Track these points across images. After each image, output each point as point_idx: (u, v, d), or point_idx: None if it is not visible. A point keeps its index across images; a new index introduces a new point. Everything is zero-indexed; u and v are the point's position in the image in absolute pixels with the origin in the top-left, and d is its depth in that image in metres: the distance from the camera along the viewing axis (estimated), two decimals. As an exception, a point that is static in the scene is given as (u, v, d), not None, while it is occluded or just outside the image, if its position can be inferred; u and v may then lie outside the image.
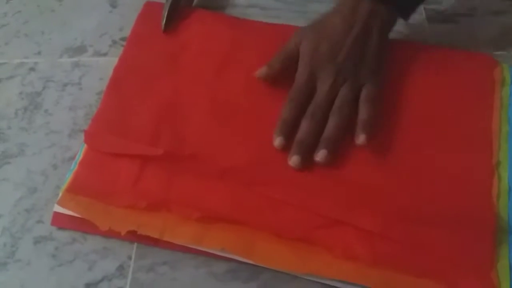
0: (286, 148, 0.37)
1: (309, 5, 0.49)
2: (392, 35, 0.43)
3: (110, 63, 0.44)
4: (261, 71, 0.40)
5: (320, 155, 0.36)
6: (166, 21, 0.45)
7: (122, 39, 0.47)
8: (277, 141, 0.37)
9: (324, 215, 0.35)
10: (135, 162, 0.38)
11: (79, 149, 0.40)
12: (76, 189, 0.37)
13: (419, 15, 0.47)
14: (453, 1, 0.49)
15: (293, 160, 0.36)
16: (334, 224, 0.35)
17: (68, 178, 0.38)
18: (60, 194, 0.37)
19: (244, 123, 0.40)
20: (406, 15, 0.42)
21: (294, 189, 0.36)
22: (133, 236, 0.36)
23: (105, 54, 0.46)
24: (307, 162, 0.37)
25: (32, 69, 0.46)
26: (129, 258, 0.36)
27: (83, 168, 0.39)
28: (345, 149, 0.38)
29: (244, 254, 0.34)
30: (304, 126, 0.37)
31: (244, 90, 0.41)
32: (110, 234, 0.36)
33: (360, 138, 0.36)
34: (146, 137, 0.39)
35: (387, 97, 0.40)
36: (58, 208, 0.37)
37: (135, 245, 0.37)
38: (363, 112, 0.37)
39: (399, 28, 0.46)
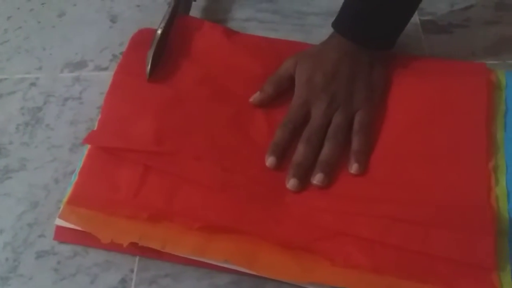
0: (277, 168, 0.39)
1: (306, 18, 0.50)
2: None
3: (110, 77, 0.45)
4: (255, 97, 0.42)
5: (317, 179, 0.37)
6: (150, 69, 0.42)
7: (122, 53, 0.47)
8: (269, 161, 0.39)
9: (324, 227, 0.35)
10: (136, 171, 0.38)
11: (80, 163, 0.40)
12: (76, 201, 0.37)
13: (414, 27, 0.48)
14: (448, 12, 0.49)
15: (291, 183, 0.37)
16: (334, 234, 0.35)
17: (69, 191, 0.39)
18: (61, 207, 0.38)
19: (244, 134, 0.40)
20: (389, 47, 0.43)
21: (294, 203, 0.37)
22: (136, 249, 0.36)
23: (105, 69, 0.47)
24: (304, 183, 0.38)
25: (33, 84, 0.46)
26: (131, 271, 0.36)
27: (83, 179, 0.39)
28: (340, 161, 0.39)
29: (247, 265, 0.34)
30: (301, 150, 0.39)
31: (242, 101, 0.42)
32: (112, 247, 0.36)
33: (353, 168, 0.38)
34: (148, 141, 0.39)
35: (383, 106, 0.41)
36: (60, 222, 0.37)
37: (137, 258, 0.37)
38: (355, 143, 0.39)
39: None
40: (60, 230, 0.38)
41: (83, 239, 0.37)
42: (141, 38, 0.46)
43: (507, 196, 0.36)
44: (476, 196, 0.36)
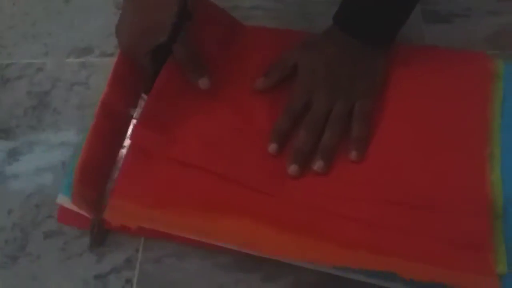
0: (279, 154, 0.39)
1: (309, 6, 0.50)
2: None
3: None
4: (260, 82, 0.43)
5: (317, 165, 0.38)
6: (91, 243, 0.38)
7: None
8: (271, 148, 0.39)
9: (323, 209, 0.36)
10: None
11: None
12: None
13: (415, 15, 0.49)
14: (449, 2, 0.50)
15: (292, 168, 0.38)
16: (334, 216, 0.36)
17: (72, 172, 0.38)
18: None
19: (248, 121, 0.41)
20: (388, 43, 0.44)
21: (294, 188, 0.38)
22: (141, 230, 0.37)
23: (111, 55, 0.48)
24: (304, 168, 0.39)
25: (40, 69, 0.47)
26: (137, 250, 0.37)
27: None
28: (340, 145, 0.40)
29: (249, 246, 0.35)
30: (302, 136, 0.39)
31: (246, 90, 0.43)
32: (120, 229, 0.37)
33: (353, 155, 0.39)
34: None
35: (383, 95, 0.42)
36: (65, 203, 0.38)
37: (142, 238, 0.38)
38: (355, 129, 0.40)
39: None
40: (63, 213, 0.39)
41: (86, 222, 0.38)
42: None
43: (501, 182, 0.37)
44: (472, 181, 0.37)
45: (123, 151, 0.40)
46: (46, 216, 0.39)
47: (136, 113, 0.42)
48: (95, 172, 0.38)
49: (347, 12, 0.43)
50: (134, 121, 0.42)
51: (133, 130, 0.40)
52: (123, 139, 0.41)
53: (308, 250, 0.34)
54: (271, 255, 0.35)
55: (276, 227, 0.36)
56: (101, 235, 0.38)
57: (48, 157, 0.42)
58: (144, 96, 0.42)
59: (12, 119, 0.44)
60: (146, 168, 0.39)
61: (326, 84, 0.41)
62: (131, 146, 0.40)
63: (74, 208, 0.37)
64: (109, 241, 0.38)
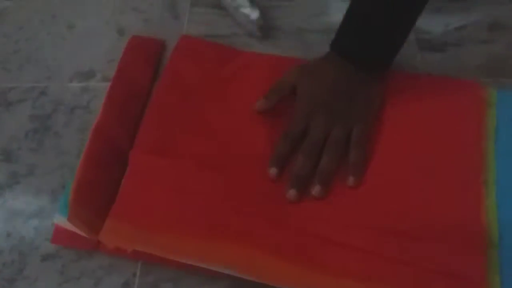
0: (278, 178, 0.40)
1: (306, 35, 0.52)
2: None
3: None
4: (260, 104, 0.44)
5: (315, 190, 0.39)
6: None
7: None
8: (271, 172, 0.40)
9: (318, 235, 0.37)
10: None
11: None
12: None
13: (410, 44, 0.50)
14: (443, 32, 0.51)
15: (290, 193, 0.39)
16: (330, 243, 0.36)
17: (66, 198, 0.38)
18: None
19: (247, 145, 0.42)
20: (384, 69, 0.45)
21: (292, 213, 0.38)
22: (138, 254, 0.37)
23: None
24: (303, 193, 0.39)
25: (42, 93, 0.48)
26: (134, 275, 0.37)
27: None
28: (337, 172, 0.40)
29: (246, 272, 0.35)
30: (300, 161, 0.40)
31: (246, 114, 0.44)
32: (115, 252, 0.37)
33: (350, 180, 0.40)
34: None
35: (379, 123, 0.43)
36: (60, 223, 0.38)
37: (140, 262, 0.38)
38: (352, 155, 0.41)
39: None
40: (58, 233, 0.39)
41: (82, 243, 0.38)
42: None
43: (497, 208, 0.38)
44: (467, 209, 0.38)
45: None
46: (44, 239, 0.39)
47: (131, 134, 0.43)
48: (90, 193, 0.39)
49: (344, 39, 0.44)
50: (129, 143, 0.42)
51: (130, 154, 0.41)
52: (119, 160, 0.41)
53: (304, 277, 0.35)
54: (268, 281, 0.35)
55: (273, 253, 0.36)
56: None
57: (48, 180, 0.42)
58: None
59: (14, 141, 0.45)
60: (144, 191, 0.39)
61: (324, 110, 0.42)
62: (129, 169, 0.40)
63: (70, 227, 0.37)
64: (106, 264, 0.38)
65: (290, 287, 0.35)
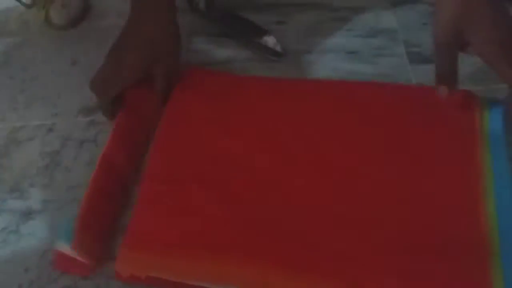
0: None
1: (301, 56, 0.53)
2: (377, 77, 0.48)
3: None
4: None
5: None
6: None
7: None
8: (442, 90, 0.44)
9: (331, 251, 0.38)
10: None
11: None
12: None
13: (401, 58, 0.52)
14: (432, 43, 0.53)
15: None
16: (341, 258, 0.38)
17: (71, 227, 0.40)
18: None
19: (251, 168, 0.44)
20: None
21: (299, 229, 0.40)
22: (153, 281, 0.38)
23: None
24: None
25: (50, 129, 0.50)
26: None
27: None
28: (336, 186, 0.42)
29: None
30: None
31: (250, 138, 0.45)
32: (130, 280, 0.39)
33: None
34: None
35: (374, 134, 0.44)
36: (63, 250, 0.39)
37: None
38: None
39: (383, 70, 0.51)
40: (60, 259, 0.40)
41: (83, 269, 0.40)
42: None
43: (497, 217, 0.39)
44: (468, 220, 0.39)
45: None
46: (62, 272, 0.41)
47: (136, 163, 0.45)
48: (94, 221, 0.40)
49: None
50: (134, 172, 0.44)
51: (141, 185, 0.43)
52: (123, 189, 0.43)
53: None
54: None
55: (285, 268, 0.37)
56: None
57: (62, 214, 0.44)
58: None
59: (26, 178, 0.46)
60: (154, 219, 0.41)
61: None
62: (139, 199, 0.42)
63: (71, 253, 0.39)
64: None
65: None
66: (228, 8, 0.57)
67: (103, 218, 0.41)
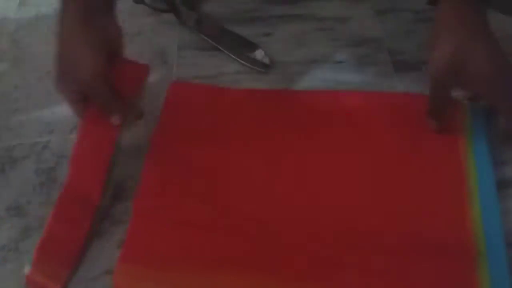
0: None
1: (288, 67, 0.55)
2: (363, 85, 0.49)
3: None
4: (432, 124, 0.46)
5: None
6: None
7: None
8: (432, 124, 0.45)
9: (319, 265, 0.39)
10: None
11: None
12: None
13: (386, 66, 0.54)
14: (416, 51, 0.55)
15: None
16: (333, 265, 0.39)
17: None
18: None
19: (247, 178, 0.45)
20: None
21: (290, 245, 0.41)
22: None
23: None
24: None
25: (45, 147, 0.51)
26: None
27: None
28: (326, 194, 0.43)
29: None
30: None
31: (241, 149, 0.47)
32: None
33: None
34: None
35: (361, 141, 0.46)
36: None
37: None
38: None
39: (369, 78, 0.52)
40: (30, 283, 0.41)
41: None
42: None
43: (481, 217, 0.40)
44: (454, 219, 0.40)
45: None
46: (60, 288, 0.41)
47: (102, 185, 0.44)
48: (56, 248, 0.41)
49: None
50: (101, 193, 0.43)
51: (135, 200, 0.44)
52: (89, 213, 0.43)
53: None
54: None
55: (278, 277, 0.39)
56: None
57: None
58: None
59: (23, 196, 0.47)
60: (149, 232, 0.42)
61: None
62: (133, 215, 0.43)
63: (40, 279, 0.40)
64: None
65: None
66: (216, 22, 0.58)
67: (67, 244, 0.42)
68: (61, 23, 0.44)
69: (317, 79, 0.53)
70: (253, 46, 0.55)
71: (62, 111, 0.53)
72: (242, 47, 0.55)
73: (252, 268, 0.39)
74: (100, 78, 0.43)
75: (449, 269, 0.37)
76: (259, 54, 0.54)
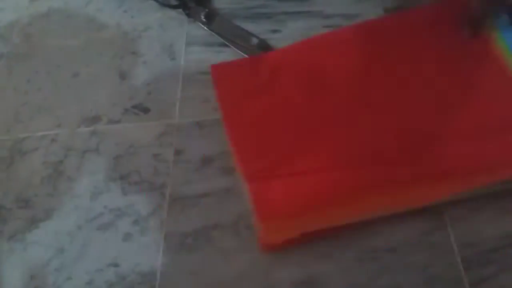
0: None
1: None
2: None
3: (123, 129, 0.50)
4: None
5: None
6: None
7: (133, 106, 0.52)
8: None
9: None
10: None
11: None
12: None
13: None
14: None
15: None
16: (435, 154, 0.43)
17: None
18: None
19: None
20: None
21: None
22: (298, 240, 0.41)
23: (118, 122, 0.52)
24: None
25: (53, 140, 0.51)
26: None
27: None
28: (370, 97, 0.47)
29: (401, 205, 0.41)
30: None
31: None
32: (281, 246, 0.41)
33: None
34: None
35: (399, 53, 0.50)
36: None
37: None
38: None
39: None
40: None
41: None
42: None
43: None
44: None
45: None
46: (66, 278, 0.42)
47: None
48: None
49: None
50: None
51: (241, 169, 0.44)
52: None
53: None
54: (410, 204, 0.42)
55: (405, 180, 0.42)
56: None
57: (65, 222, 0.45)
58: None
59: (31, 188, 0.48)
60: (272, 189, 0.43)
61: None
62: (247, 181, 0.44)
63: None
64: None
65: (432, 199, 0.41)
66: (225, 18, 0.58)
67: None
68: None
69: (324, 76, 0.53)
70: (262, 43, 0.55)
71: (70, 105, 0.54)
72: (250, 43, 0.55)
73: (383, 183, 0.42)
74: None
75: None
76: (267, 50, 0.54)
